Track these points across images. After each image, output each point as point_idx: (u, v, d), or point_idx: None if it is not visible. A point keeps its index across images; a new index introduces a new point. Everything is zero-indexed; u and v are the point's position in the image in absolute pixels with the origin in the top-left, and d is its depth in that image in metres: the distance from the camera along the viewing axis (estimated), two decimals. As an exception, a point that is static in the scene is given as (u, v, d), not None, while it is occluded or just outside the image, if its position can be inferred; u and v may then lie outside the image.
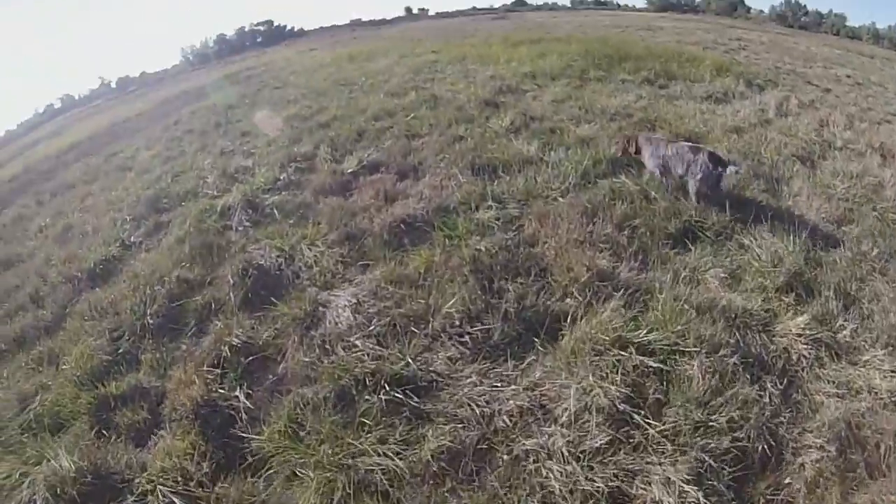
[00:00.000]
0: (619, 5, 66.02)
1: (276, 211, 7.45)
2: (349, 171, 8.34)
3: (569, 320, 4.48)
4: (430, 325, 4.60)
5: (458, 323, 4.55)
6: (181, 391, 4.49)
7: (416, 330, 4.61)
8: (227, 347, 4.79)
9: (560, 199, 6.47)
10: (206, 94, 22.21)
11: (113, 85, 62.07)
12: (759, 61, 19.94)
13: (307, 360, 4.52)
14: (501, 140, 8.59)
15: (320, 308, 5.08)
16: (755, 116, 9.90)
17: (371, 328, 4.70)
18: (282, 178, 8.67)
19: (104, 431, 4.36)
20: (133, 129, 20.34)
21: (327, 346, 4.62)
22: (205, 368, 4.62)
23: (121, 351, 5.30)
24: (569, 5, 64.90)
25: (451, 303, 4.70)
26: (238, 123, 14.33)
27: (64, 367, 5.21)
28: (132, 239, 7.98)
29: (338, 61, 21.48)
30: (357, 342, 4.57)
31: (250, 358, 4.73)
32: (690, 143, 6.27)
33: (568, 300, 4.77)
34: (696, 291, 4.82)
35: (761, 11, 60.34)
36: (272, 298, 5.38)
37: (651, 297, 4.71)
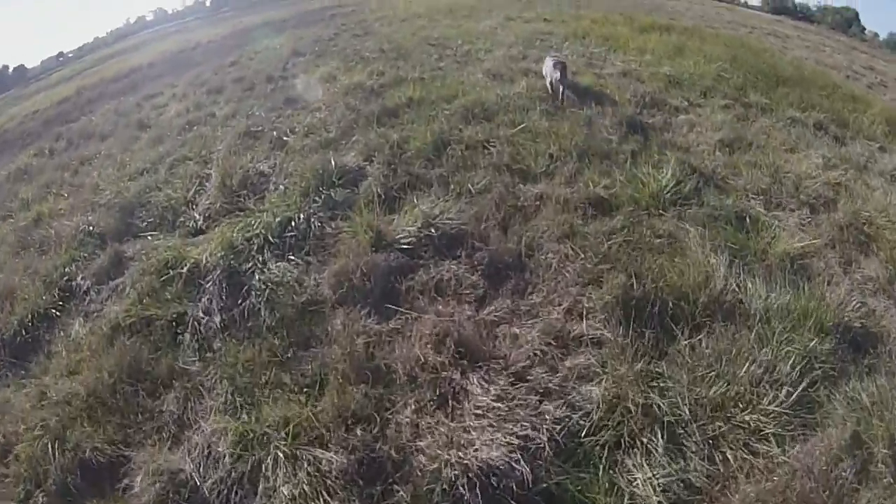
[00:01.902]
0: None
1: (262, 314, 4.21)
2: (404, 240, 4.54)
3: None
4: None
5: None
6: None
7: None
8: None
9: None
10: (281, 31, 19.01)
11: (207, 3, 59.35)
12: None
13: None
14: (664, 224, 4.78)
15: None
16: None
17: None
18: (298, 224, 5.03)
19: None
20: (189, 62, 17.76)
21: None
22: None
23: None
24: None
25: None
26: (291, 81, 10.79)
27: None
28: (79, 280, 5.36)
29: (433, 12, 17.38)
30: None
31: None
32: None
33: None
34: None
35: (876, 34, 51.17)
36: None
37: None
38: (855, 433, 2.96)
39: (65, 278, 5.37)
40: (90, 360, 4.11)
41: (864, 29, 51.60)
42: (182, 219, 5.84)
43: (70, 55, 54.30)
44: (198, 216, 5.73)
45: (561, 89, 7.43)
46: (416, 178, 5.47)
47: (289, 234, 4.86)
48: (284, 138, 7.23)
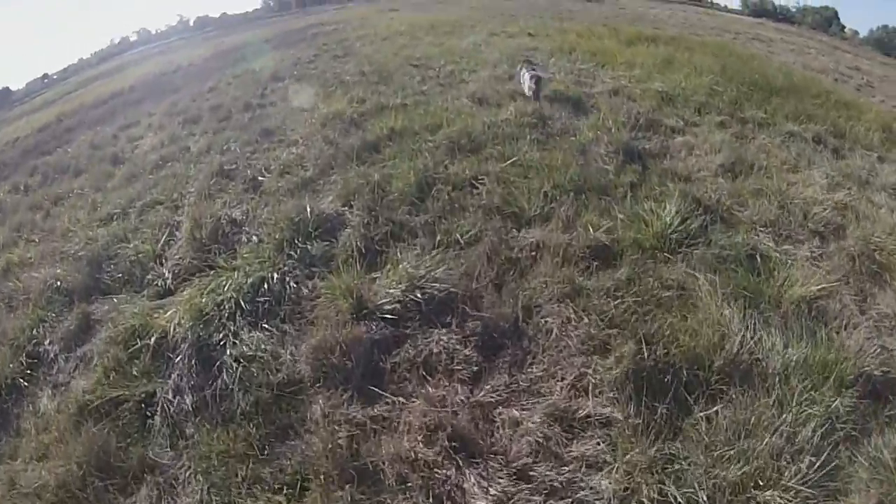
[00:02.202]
0: (711, 3, 57.70)
1: (236, 396, 3.78)
2: (387, 306, 4.07)
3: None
4: None
5: None
6: None
7: None
8: None
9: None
10: (262, 53, 18.64)
11: (191, 23, 58.84)
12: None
13: None
14: (672, 271, 4.32)
15: None
16: None
17: None
18: (272, 285, 4.57)
19: None
20: (169, 87, 17.46)
21: None
22: None
23: None
24: None
25: None
26: (268, 110, 10.44)
27: None
28: (47, 344, 4.98)
29: (415, 30, 17.00)
30: None
31: None
32: None
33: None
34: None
35: (856, 32, 51.91)
36: None
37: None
38: (880, 502, 2.75)
39: (33, 342, 5.01)
40: (58, 446, 3.76)
41: (844, 27, 51.77)
42: (150, 276, 5.38)
43: (55, 77, 53.87)
44: (166, 273, 5.28)
45: (537, 97, 8.04)
46: (399, 225, 5.05)
47: (262, 297, 4.41)
48: (259, 178, 6.84)
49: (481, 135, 6.78)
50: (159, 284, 5.20)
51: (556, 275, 4.18)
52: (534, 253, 4.53)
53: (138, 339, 4.34)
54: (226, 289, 4.48)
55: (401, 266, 4.34)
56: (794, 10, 54.41)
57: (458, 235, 4.74)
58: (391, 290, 4.13)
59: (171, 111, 12.83)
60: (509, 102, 8.17)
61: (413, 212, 5.26)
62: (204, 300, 4.43)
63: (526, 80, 8.33)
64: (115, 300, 5.18)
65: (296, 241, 5.00)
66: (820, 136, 7.78)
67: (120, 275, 5.61)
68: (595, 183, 5.58)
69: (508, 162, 5.96)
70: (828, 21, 51.55)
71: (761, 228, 5.00)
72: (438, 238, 4.75)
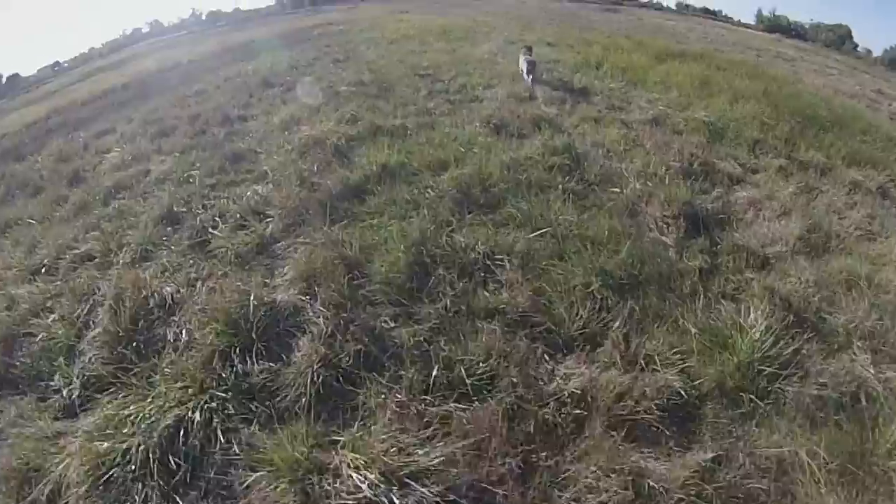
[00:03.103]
0: (726, 17, 55.63)
1: None
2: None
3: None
4: None
5: None
6: None
7: None
8: None
9: None
10: (259, 53, 16.86)
11: (204, 17, 57.06)
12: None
13: None
14: (767, 441, 2.78)
15: None
16: None
17: None
18: (192, 432, 2.97)
19: None
20: (159, 86, 15.71)
21: None
22: None
23: None
24: (674, 8, 55.49)
25: None
26: (246, 126, 8.69)
27: None
28: None
29: (425, 34, 15.30)
30: None
31: None
32: None
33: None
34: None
35: (869, 51, 49.13)
36: None
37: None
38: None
39: None
40: None
41: (857, 46, 49.52)
42: (58, 377, 3.68)
43: (65, 65, 52.23)
44: (75, 380, 3.58)
45: (532, 85, 8.63)
46: (378, 341, 3.36)
47: (176, 452, 2.73)
48: (210, 231, 5.10)
49: (500, 181, 5.10)
50: (65, 395, 3.54)
51: (613, 457, 2.48)
52: (577, 410, 2.80)
53: (30, 489, 2.87)
54: (134, 429, 2.83)
55: (374, 431, 2.63)
56: (807, 26, 52.12)
57: (462, 370, 3.00)
58: (357, 479, 2.42)
59: (148, 118, 11.12)
60: (533, 131, 6.49)
61: (399, 318, 3.53)
62: (106, 445, 2.79)
63: (524, 67, 9.05)
64: (17, 406, 3.56)
65: (233, 353, 3.30)
66: (885, 189, 6.30)
67: (30, 362, 3.95)
68: (654, 270, 3.98)
69: (537, 232, 4.26)
70: (841, 39, 49.25)
71: (858, 343, 3.44)
72: (434, 374, 3.00)
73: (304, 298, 3.75)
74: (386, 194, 5.00)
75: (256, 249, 4.63)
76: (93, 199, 7.09)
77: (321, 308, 3.60)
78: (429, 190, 5.00)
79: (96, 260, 5.16)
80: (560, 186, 5.04)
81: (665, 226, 4.65)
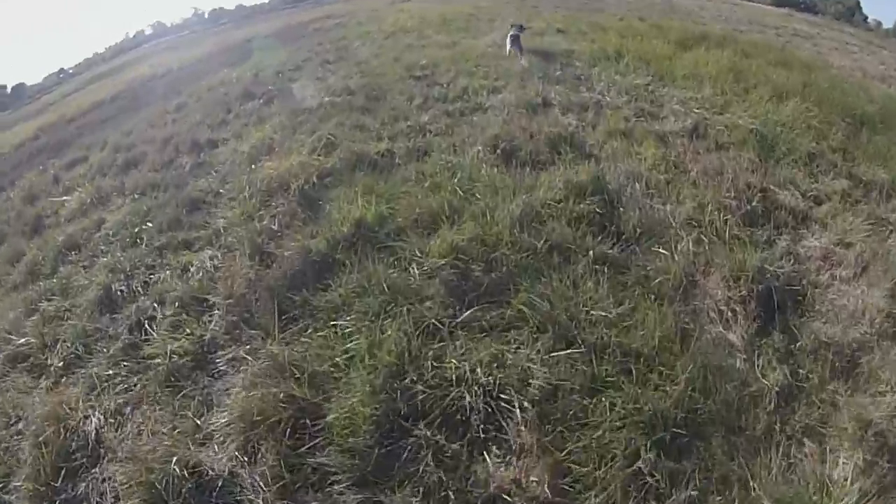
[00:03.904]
0: None
1: None
2: None
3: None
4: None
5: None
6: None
7: None
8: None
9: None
10: (249, 56, 15.62)
11: (206, 16, 55.48)
12: None
13: None
14: None
15: None
16: None
17: None
18: None
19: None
20: (145, 99, 14.86)
21: None
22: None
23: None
24: None
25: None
26: (217, 152, 7.39)
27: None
28: None
29: (424, 26, 13.73)
30: None
31: None
32: None
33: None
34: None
35: (879, 23, 46.30)
36: None
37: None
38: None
39: None
40: None
41: (866, 17, 46.76)
42: None
43: (70, 71, 51.41)
44: None
45: (517, 52, 9.03)
46: None
47: None
48: (145, 326, 3.89)
49: (509, 248, 3.68)
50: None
51: None
52: None
53: None
54: None
55: None
56: (816, -1, 49.14)
57: None
58: None
59: (121, 143, 9.82)
60: (551, 155, 5.06)
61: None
62: None
63: (508, 41, 9.41)
64: None
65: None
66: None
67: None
68: (721, 397, 2.76)
69: (564, 352, 2.85)
70: (850, 11, 46.46)
71: None
72: None
73: (241, 459, 2.56)
74: (357, 275, 3.61)
75: (193, 361, 3.47)
76: (43, 259, 5.90)
77: (260, 484, 2.41)
78: (414, 266, 3.58)
79: (31, 360, 4.15)
80: (590, 251, 3.61)
81: (731, 313, 3.29)
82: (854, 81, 9.93)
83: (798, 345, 3.13)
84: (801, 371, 2.98)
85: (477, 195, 4.35)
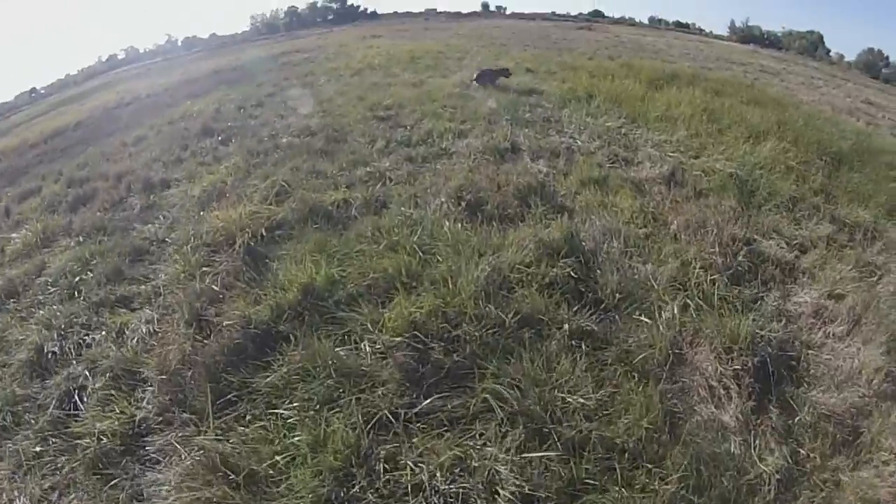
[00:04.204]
0: (700, 29, 53.26)
1: None
2: None
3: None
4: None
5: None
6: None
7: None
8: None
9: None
10: (216, 87, 15.03)
11: (179, 43, 54.60)
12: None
13: None
14: None
15: None
16: None
17: None
18: None
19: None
20: (107, 128, 13.99)
21: None
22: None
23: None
24: (647, 23, 52.57)
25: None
26: (168, 195, 6.74)
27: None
28: None
29: (393, 63, 13.41)
30: None
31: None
32: None
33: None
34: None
35: (841, 56, 47.13)
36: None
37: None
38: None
39: None
40: None
41: (829, 51, 47.92)
42: None
43: (42, 91, 49.65)
44: None
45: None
46: None
47: None
48: (74, 398, 3.47)
49: (474, 323, 3.22)
50: None
51: None
52: None
53: None
54: None
55: None
56: (780, 34, 50.36)
57: None
58: None
59: (74, 177, 9.18)
60: (520, 209, 4.65)
61: None
62: None
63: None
64: None
65: None
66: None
67: None
68: (717, 492, 2.44)
69: (537, 454, 2.47)
70: (813, 45, 47.43)
71: None
72: None
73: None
74: (301, 352, 3.11)
75: (123, 445, 3.00)
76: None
77: None
78: (366, 343, 3.11)
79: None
80: (565, 325, 3.18)
81: (723, 390, 2.95)
82: (825, 117, 9.79)
83: (797, 419, 2.84)
84: (800, 451, 2.67)
85: (438, 256, 3.91)
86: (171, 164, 8.10)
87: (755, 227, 4.70)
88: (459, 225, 4.41)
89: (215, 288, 4.04)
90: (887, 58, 43.84)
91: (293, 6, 54.91)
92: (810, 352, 3.34)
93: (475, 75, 9.78)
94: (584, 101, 8.32)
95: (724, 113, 7.83)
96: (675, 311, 3.45)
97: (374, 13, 53.56)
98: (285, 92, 11.74)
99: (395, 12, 51.64)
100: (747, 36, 47.15)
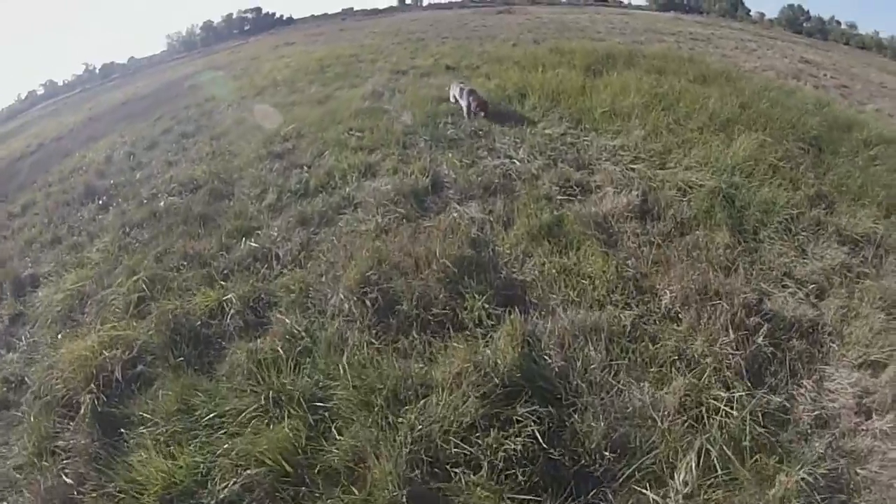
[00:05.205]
0: (620, 2, 51.69)
1: None
2: None
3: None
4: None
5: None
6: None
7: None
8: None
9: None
10: (116, 125, 13.21)
11: (97, 71, 51.00)
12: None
13: None
14: None
15: None
16: None
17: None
18: None
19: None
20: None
21: None
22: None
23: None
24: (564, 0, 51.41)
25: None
26: (37, 295, 5.07)
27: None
28: None
29: (300, 75, 11.70)
30: None
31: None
32: None
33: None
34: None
35: (762, 14, 46.47)
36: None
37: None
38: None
39: None
40: None
41: (749, 11, 47.28)
42: None
43: (-38, 136, 45.97)
44: None
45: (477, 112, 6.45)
46: None
47: None
48: None
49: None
50: None
51: None
52: None
53: None
54: None
55: None
56: (699, -1, 49.47)
57: None
58: None
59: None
60: (453, 314, 3.22)
61: None
62: None
63: (462, 97, 6.67)
64: None
65: None
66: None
67: None
68: None
69: None
70: (733, 6, 46.67)
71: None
72: None
73: None
74: None
75: None
76: None
77: None
78: None
79: None
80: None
81: None
82: (782, 89, 8.54)
83: None
84: None
85: (340, 417, 2.44)
86: (46, 246, 6.35)
87: (762, 273, 3.40)
88: (365, 346, 2.93)
89: (68, 482, 2.52)
90: (807, 12, 43.52)
91: (209, 20, 53.06)
92: (859, 473, 2.29)
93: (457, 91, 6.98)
94: (517, 101, 6.85)
95: (675, 99, 6.49)
96: (693, 470, 2.10)
97: (289, 19, 51.83)
98: (181, 126, 9.94)
99: (312, 15, 49.77)
100: (667, 3, 45.99)
